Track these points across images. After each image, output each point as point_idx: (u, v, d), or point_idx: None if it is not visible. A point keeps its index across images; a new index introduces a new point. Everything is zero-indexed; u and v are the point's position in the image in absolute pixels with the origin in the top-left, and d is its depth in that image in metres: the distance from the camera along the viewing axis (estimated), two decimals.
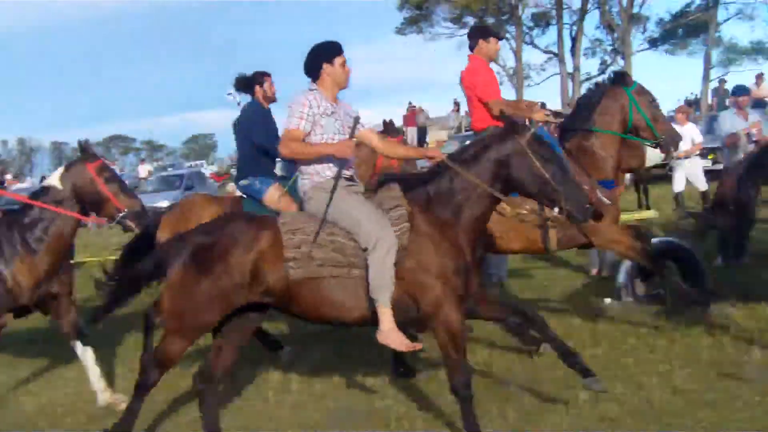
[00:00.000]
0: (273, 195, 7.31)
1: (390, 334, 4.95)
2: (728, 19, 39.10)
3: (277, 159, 7.47)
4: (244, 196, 7.66)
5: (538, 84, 42.36)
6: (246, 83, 7.77)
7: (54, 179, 6.56)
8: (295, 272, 4.90)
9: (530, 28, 41.53)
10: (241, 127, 7.70)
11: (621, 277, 7.89)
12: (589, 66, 41.03)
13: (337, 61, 5.27)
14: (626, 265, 7.82)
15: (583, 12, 39.54)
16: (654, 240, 7.85)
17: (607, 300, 8.07)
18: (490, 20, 40.26)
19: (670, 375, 5.83)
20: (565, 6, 39.86)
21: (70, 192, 6.48)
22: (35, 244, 6.40)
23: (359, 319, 5.05)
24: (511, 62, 40.99)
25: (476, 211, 5.04)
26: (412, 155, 6.60)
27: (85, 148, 6.63)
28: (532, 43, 41.59)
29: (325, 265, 4.93)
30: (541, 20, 41.38)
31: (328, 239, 4.96)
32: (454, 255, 4.95)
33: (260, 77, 7.70)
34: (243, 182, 7.59)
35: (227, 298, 4.94)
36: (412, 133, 31.69)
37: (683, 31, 39.63)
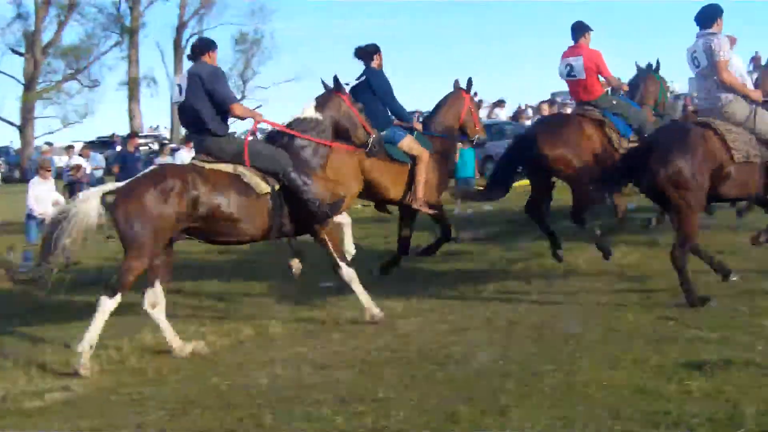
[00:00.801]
0: (408, 142, 8.73)
1: None
2: None
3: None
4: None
5: None
6: (367, 52, 8.86)
7: (310, 111, 7.20)
8: (737, 155, 7.19)
9: None
10: (372, 89, 8.69)
11: None
12: None
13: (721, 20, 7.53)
14: None
15: None
16: None
17: None
18: None
19: None
20: None
21: (330, 123, 7.21)
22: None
23: (748, 195, 7.77)
24: None
25: None
26: None
27: (339, 82, 7.39)
28: None
29: (751, 155, 7.23)
30: None
31: (747, 139, 7.29)
32: None
33: (377, 48, 8.90)
34: (382, 133, 8.39)
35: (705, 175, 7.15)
36: None
37: None
